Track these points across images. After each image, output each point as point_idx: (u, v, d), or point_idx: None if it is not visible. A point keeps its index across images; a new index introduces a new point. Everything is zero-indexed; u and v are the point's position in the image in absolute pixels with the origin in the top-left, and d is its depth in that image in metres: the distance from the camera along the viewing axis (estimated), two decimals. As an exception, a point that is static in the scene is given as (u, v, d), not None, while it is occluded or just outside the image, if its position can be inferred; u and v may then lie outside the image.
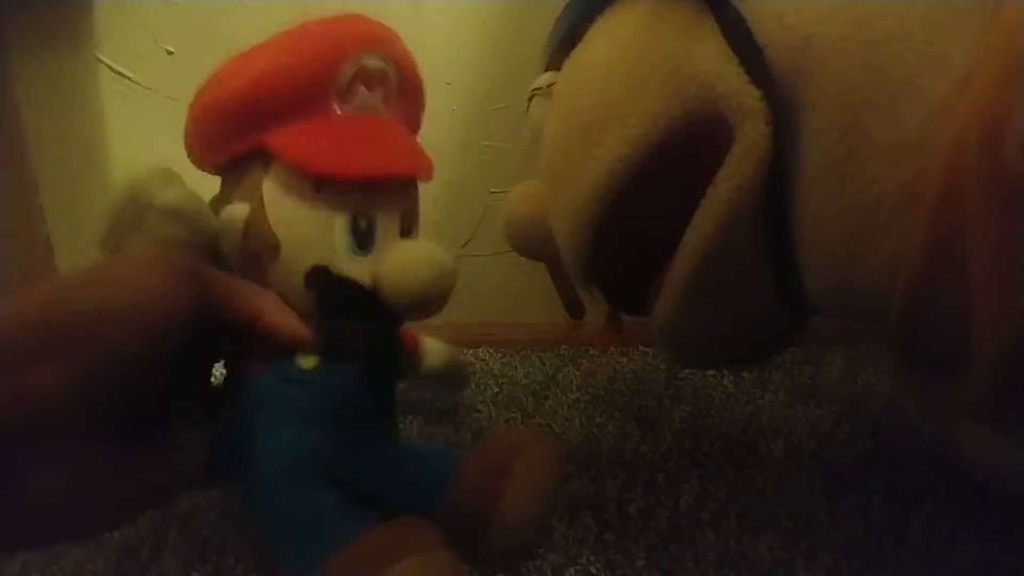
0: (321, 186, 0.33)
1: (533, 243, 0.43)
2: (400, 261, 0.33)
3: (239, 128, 0.33)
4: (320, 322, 0.33)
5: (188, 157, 0.35)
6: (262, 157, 0.33)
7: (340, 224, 0.33)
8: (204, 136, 0.34)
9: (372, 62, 0.34)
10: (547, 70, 0.40)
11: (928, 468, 0.45)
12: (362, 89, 0.34)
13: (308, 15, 0.35)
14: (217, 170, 0.35)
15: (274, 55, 0.33)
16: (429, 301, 0.34)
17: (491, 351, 0.63)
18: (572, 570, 0.35)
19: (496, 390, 0.56)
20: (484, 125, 0.63)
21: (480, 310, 0.69)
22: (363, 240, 0.34)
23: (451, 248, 0.66)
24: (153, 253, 0.27)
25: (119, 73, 0.62)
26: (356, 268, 0.33)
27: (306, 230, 0.33)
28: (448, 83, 0.62)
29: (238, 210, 0.33)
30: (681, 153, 0.29)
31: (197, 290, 0.27)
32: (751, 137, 0.27)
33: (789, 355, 0.62)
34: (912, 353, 0.29)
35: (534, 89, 0.41)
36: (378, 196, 0.34)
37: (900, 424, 0.51)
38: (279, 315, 0.31)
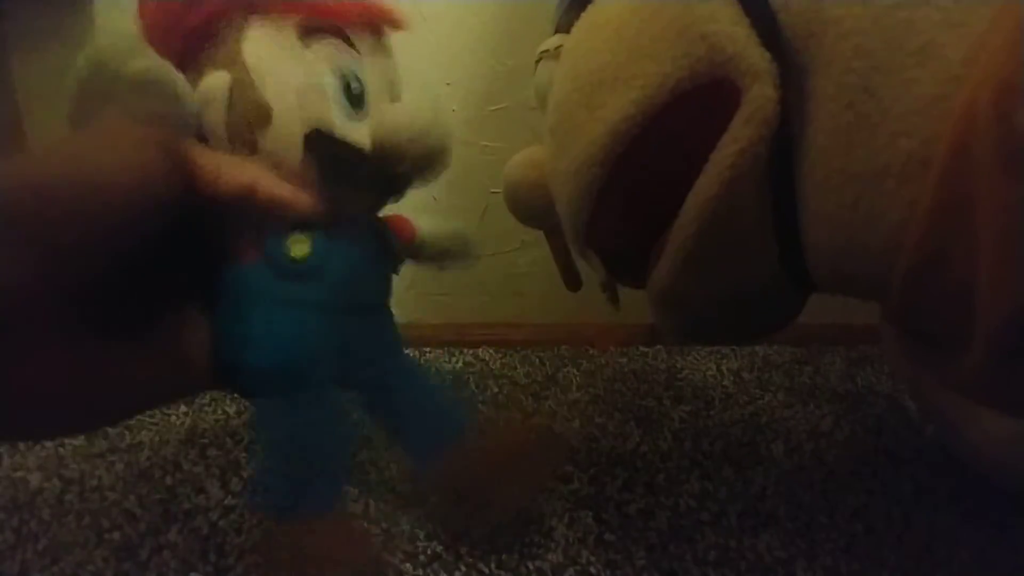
0: (308, 33, 0.32)
1: (533, 209, 0.42)
2: (398, 115, 0.34)
3: None
4: (322, 190, 0.29)
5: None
6: (234, 22, 0.32)
7: (332, 86, 0.33)
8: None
9: None
10: (556, 33, 0.40)
11: (928, 468, 0.45)
12: None
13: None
14: (177, 53, 0.33)
15: None
16: (431, 154, 0.34)
17: (491, 351, 0.63)
18: (572, 570, 0.35)
19: (496, 390, 0.56)
20: (484, 125, 0.63)
21: (480, 310, 0.69)
22: (356, 102, 0.34)
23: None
24: (123, 125, 0.25)
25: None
26: (353, 134, 0.33)
27: (297, 91, 0.32)
28: (448, 83, 0.62)
29: (219, 79, 0.31)
30: (688, 115, 0.29)
31: (174, 163, 0.24)
32: (758, 100, 0.26)
33: (789, 355, 0.62)
34: (913, 328, 0.28)
35: (542, 51, 0.40)
36: (362, 48, 0.35)
37: (900, 424, 0.51)
38: (276, 184, 0.26)
